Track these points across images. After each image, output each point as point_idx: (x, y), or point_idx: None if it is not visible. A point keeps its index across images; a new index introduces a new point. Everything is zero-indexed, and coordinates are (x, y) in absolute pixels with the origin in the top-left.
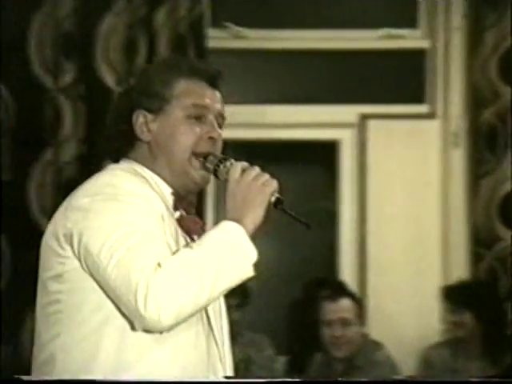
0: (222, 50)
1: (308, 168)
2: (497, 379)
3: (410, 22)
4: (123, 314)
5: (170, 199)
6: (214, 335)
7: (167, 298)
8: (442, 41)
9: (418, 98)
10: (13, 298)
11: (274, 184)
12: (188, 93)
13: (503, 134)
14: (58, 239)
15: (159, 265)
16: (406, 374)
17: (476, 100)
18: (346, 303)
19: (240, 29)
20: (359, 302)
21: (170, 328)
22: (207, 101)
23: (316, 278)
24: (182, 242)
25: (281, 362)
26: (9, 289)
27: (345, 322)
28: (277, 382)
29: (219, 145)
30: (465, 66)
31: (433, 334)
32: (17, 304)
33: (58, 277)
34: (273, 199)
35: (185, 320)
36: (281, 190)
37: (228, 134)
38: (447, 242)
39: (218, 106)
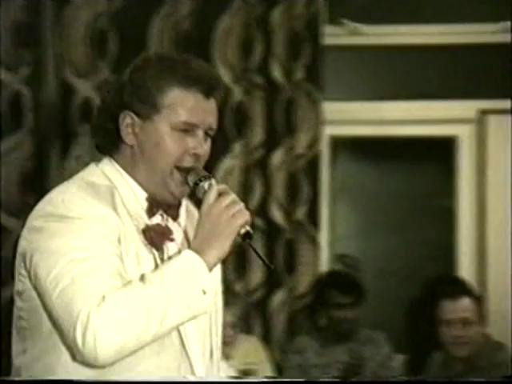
0: (339, 47)
1: (425, 165)
2: (497, 379)
3: None
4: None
5: (145, 204)
6: (186, 353)
7: (107, 333)
8: None
9: None
10: None
11: (246, 216)
12: (180, 106)
13: None
14: (18, 257)
15: (103, 298)
16: None
17: None
18: (466, 302)
19: (356, 25)
20: (480, 301)
21: (109, 364)
22: (199, 117)
23: (436, 276)
24: (145, 258)
25: (398, 360)
26: None
27: (465, 322)
28: (277, 382)
29: (204, 160)
30: None
31: None
32: None
33: (20, 294)
34: (242, 231)
35: (126, 356)
36: (252, 224)
37: (345, 131)
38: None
39: (210, 119)
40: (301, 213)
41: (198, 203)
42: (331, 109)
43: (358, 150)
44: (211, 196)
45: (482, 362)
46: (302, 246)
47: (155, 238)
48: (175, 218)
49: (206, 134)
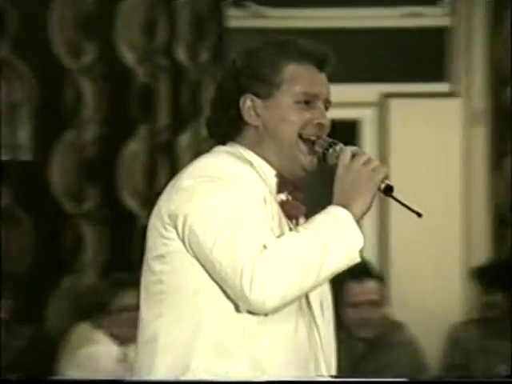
0: (243, 30)
1: None
2: (497, 379)
3: (432, 0)
4: (225, 296)
5: (274, 182)
6: (316, 324)
7: (273, 280)
8: (464, 19)
9: (439, 77)
10: (38, 280)
11: (384, 171)
12: (298, 78)
13: None
14: (162, 220)
15: (265, 247)
16: (430, 354)
17: (498, 78)
18: (372, 284)
19: (260, 7)
20: (383, 283)
21: (275, 310)
22: (317, 88)
23: None
24: (285, 225)
25: None
26: (33, 270)
27: (372, 304)
28: (277, 382)
29: (327, 130)
30: (487, 44)
31: (456, 314)
32: (41, 286)
33: (161, 257)
34: (382, 186)
35: (289, 303)
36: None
37: None
38: (470, 222)
39: (326, 90)
40: None
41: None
42: None
43: None
44: (346, 157)
45: (382, 343)
46: None
47: (293, 211)
48: (298, 199)
49: (325, 106)
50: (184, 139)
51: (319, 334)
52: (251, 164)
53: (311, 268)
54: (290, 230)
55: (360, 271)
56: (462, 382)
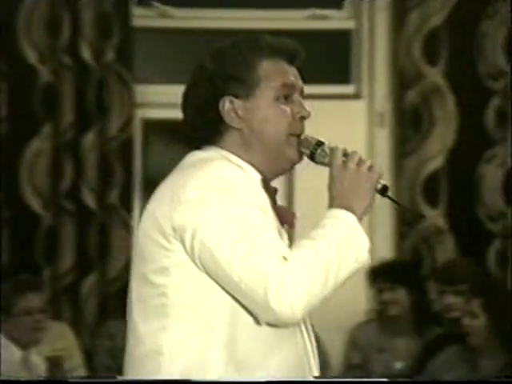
0: (148, 29)
1: None
2: (497, 379)
3: (336, 3)
4: (234, 308)
5: (261, 186)
6: (308, 331)
7: (299, 289)
8: (367, 22)
9: (343, 79)
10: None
11: (379, 170)
12: (274, 73)
13: (427, 114)
14: (163, 232)
15: (285, 258)
16: (332, 353)
17: (400, 80)
18: None
19: (166, 7)
20: None
21: (299, 320)
22: (292, 79)
23: None
24: (282, 231)
25: None
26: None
27: None
28: (278, 382)
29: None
30: (389, 47)
31: (358, 313)
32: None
33: (164, 270)
34: (379, 186)
35: (312, 309)
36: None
37: (157, 114)
38: (372, 221)
39: (300, 82)
40: (113, 196)
41: None
42: (143, 91)
43: (170, 133)
44: (338, 158)
45: None
46: (115, 230)
47: (286, 216)
48: (275, 203)
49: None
50: (88, 138)
51: (311, 342)
52: (242, 169)
53: (330, 275)
54: (289, 239)
55: None
56: (461, 382)
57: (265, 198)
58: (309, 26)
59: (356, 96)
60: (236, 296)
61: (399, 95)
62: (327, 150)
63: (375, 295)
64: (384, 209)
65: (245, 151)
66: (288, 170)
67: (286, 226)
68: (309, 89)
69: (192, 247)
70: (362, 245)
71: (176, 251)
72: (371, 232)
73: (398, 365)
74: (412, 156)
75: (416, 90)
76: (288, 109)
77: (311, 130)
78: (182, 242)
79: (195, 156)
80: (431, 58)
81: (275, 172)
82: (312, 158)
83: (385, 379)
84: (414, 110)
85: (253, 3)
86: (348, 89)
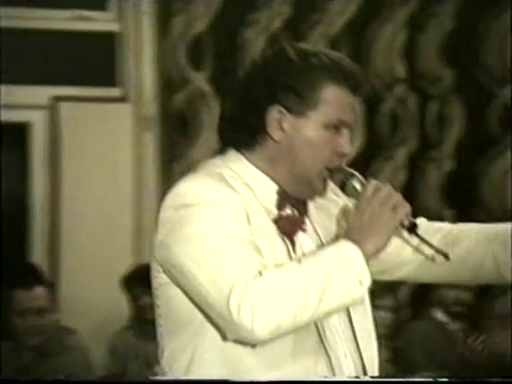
0: None
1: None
2: (497, 379)
3: (100, 4)
4: (214, 325)
5: (274, 198)
6: (324, 341)
7: (264, 307)
8: (132, 24)
9: (110, 81)
10: None
11: (407, 207)
12: (335, 102)
13: (193, 119)
14: (154, 253)
15: (260, 273)
16: (97, 359)
17: (167, 84)
18: (39, 291)
19: None
20: (52, 289)
21: (264, 342)
22: (349, 115)
23: (9, 264)
24: (278, 242)
25: None
26: None
27: (39, 311)
28: (277, 382)
29: (347, 159)
30: (155, 51)
31: (123, 319)
32: None
33: (156, 290)
34: (406, 223)
35: (281, 336)
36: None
37: None
38: (141, 226)
39: (356, 117)
40: None
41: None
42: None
43: None
44: (369, 190)
45: (53, 349)
46: None
47: (288, 226)
48: (303, 212)
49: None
50: None
51: (328, 353)
52: (244, 181)
53: (308, 302)
54: (288, 251)
55: (28, 277)
56: (460, 382)
57: (249, 211)
58: (72, 26)
59: (122, 99)
60: (207, 313)
61: (166, 99)
62: (357, 185)
63: (131, 301)
64: (152, 214)
65: (270, 164)
66: (309, 198)
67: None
68: (74, 91)
69: (169, 264)
70: (359, 280)
71: (159, 271)
72: (137, 238)
73: (157, 368)
74: (180, 159)
75: (182, 94)
76: (333, 140)
77: (76, 132)
78: (163, 260)
79: (207, 163)
80: (196, 62)
81: (298, 193)
82: (343, 188)
83: (385, 379)
84: (181, 114)
85: (16, 1)
86: (114, 92)
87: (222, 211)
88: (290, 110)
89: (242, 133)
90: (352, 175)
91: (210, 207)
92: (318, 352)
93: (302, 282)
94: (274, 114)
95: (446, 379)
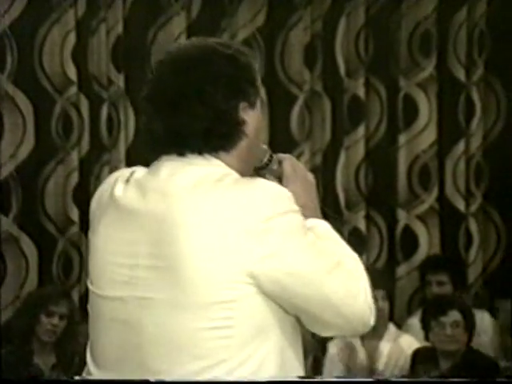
0: None
1: None
2: (498, 379)
3: None
4: (280, 331)
5: None
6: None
7: (370, 296)
8: None
9: None
10: None
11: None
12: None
13: None
14: (228, 264)
15: (339, 263)
16: None
17: None
18: None
19: None
20: None
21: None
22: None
23: None
24: None
25: None
26: None
27: None
28: (277, 382)
29: None
30: None
31: None
32: None
33: (231, 302)
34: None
35: None
36: None
37: None
38: None
39: None
40: None
41: None
42: None
43: None
44: (288, 167)
45: None
46: None
47: None
48: None
49: None
50: None
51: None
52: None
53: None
54: None
55: None
56: (460, 383)
57: None
58: None
59: None
60: (320, 315)
61: None
62: (276, 163)
63: None
64: None
65: (233, 160)
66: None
67: None
68: None
69: (266, 277)
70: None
71: (247, 283)
72: None
73: None
74: None
75: None
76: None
77: None
78: (253, 274)
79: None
80: None
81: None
82: (262, 169)
83: (386, 379)
84: None
85: None
86: None
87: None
88: (249, 102)
89: (220, 137)
90: (271, 156)
91: (295, 210)
92: None
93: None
94: (242, 110)
95: (445, 379)
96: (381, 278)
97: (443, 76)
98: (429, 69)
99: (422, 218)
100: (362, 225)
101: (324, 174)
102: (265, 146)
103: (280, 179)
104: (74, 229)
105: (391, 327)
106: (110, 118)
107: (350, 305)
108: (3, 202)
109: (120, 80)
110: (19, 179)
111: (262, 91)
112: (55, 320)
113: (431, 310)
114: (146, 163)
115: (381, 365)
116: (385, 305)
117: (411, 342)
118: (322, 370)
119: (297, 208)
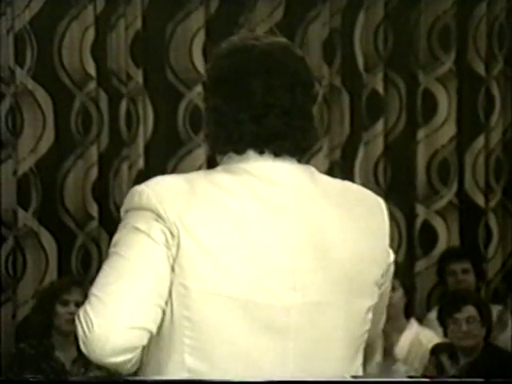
0: None
1: None
2: (498, 379)
3: None
4: None
5: None
6: None
7: None
8: None
9: None
10: None
11: None
12: None
13: None
14: (378, 265)
15: None
16: None
17: None
18: None
19: None
20: None
21: None
22: None
23: None
24: None
25: None
26: None
27: None
28: (277, 382)
29: None
30: None
31: None
32: None
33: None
34: None
35: None
36: None
37: None
38: None
39: None
40: None
41: None
42: None
43: None
44: None
45: None
46: None
47: None
48: None
49: None
50: None
51: None
52: None
53: None
54: None
55: None
56: (460, 382)
57: None
58: None
59: None
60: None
61: None
62: None
63: None
64: None
65: None
66: None
67: None
68: None
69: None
70: None
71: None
72: None
73: None
74: None
75: None
76: None
77: None
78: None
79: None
80: None
81: None
82: None
83: (385, 379)
84: None
85: None
86: None
87: None
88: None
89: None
90: None
91: None
92: None
93: None
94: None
95: (445, 379)
96: (399, 273)
97: (463, 70)
98: (448, 63)
99: (441, 213)
100: None
101: (343, 169)
102: None
103: None
104: (94, 224)
105: (413, 321)
106: (128, 113)
107: None
108: (23, 196)
109: (139, 75)
110: (39, 174)
111: None
112: (71, 308)
113: (446, 308)
114: (164, 158)
115: (400, 359)
116: (400, 299)
117: (432, 336)
118: None
119: None
